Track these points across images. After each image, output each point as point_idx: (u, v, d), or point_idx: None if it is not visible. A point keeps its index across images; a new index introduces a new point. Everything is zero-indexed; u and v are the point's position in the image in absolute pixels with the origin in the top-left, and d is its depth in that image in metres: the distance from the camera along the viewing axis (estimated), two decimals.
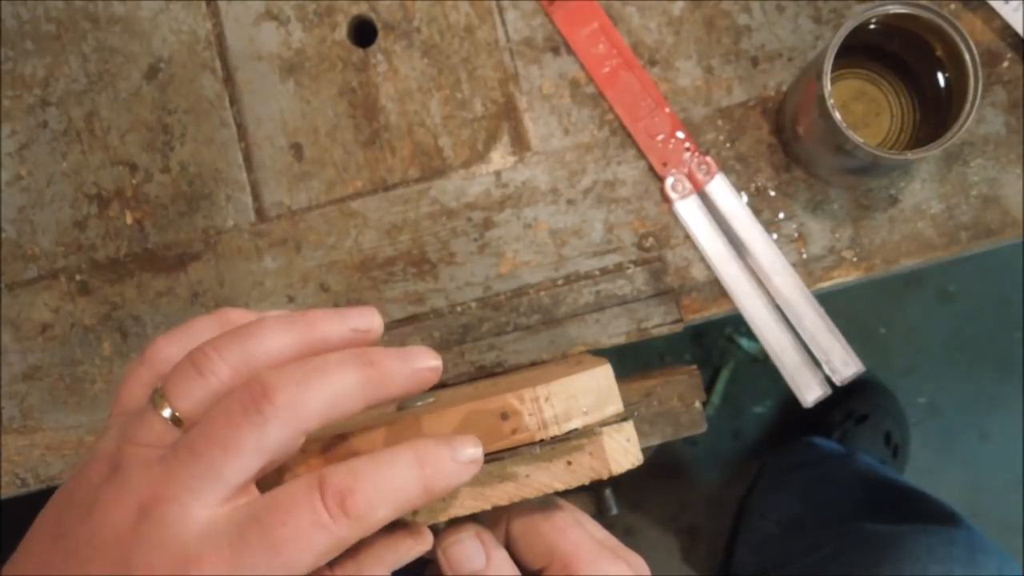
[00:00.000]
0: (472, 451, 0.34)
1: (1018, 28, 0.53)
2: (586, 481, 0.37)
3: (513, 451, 0.36)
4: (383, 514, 0.32)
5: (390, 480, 0.32)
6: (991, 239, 0.53)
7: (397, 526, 0.36)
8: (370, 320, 0.36)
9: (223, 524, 0.31)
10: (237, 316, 0.37)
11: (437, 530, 0.39)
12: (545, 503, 0.40)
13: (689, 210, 0.54)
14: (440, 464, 0.33)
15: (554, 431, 0.36)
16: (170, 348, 0.35)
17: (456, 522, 0.38)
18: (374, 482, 0.31)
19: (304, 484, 0.31)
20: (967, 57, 0.46)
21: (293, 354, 0.33)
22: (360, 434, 0.37)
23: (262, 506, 0.31)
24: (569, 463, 0.37)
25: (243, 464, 0.31)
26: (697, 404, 0.51)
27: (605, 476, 0.37)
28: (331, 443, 0.37)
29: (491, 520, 0.40)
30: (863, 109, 0.52)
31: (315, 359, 0.33)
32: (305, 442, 0.33)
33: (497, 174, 0.56)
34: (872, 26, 0.48)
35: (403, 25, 0.56)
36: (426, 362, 0.34)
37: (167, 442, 0.32)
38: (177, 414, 0.32)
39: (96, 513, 0.32)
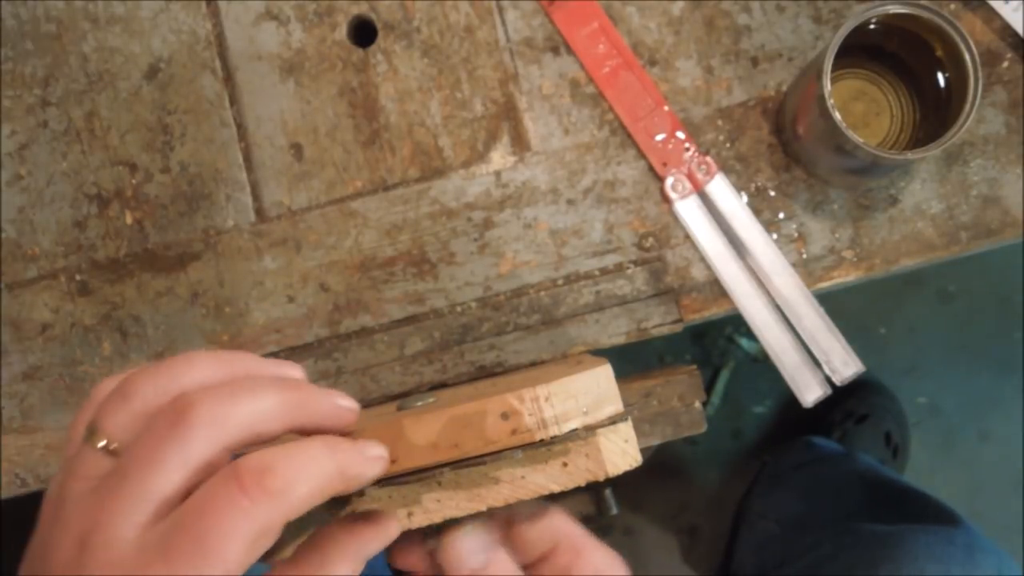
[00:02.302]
0: (376, 450, 0.35)
1: (1018, 28, 0.52)
2: (582, 483, 0.37)
3: (496, 455, 0.36)
4: (304, 491, 0.32)
5: (306, 459, 0.32)
6: (991, 239, 0.53)
7: (359, 519, 0.36)
8: (296, 372, 0.37)
9: (153, 538, 0.31)
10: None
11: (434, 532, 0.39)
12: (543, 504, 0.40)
13: (689, 210, 0.54)
14: (350, 454, 0.34)
15: (554, 431, 0.36)
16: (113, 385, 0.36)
17: (454, 523, 0.38)
18: (291, 460, 0.32)
19: (220, 475, 0.31)
20: (967, 57, 0.46)
21: (219, 381, 0.34)
22: (354, 434, 0.37)
23: (184, 509, 0.31)
24: (565, 464, 0.37)
25: (168, 479, 0.31)
26: (697, 404, 0.51)
27: (601, 478, 0.37)
28: None
29: (490, 518, 0.40)
30: (863, 109, 0.52)
31: (240, 380, 0.34)
32: None
33: (497, 174, 0.56)
34: (872, 26, 0.48)
35: (403, 25, 0.56)
36: (347, 403, 0.36)
37: (103, 472, 0.33)
38: (108, 443, 0.33)
39: (48, 556, 0.32)
